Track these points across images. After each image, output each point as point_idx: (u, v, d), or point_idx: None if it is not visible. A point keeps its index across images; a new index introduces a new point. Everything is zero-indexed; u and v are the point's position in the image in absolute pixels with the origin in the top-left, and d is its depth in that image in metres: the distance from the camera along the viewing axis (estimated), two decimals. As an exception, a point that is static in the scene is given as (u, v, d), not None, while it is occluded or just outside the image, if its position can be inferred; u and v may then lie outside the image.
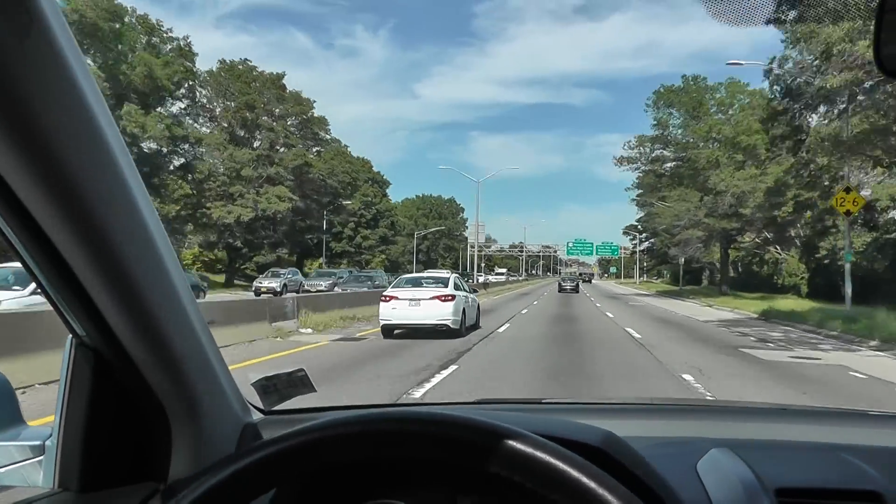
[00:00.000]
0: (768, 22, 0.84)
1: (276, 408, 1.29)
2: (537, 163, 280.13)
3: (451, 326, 15.39)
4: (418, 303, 15.39)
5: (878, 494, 1.02)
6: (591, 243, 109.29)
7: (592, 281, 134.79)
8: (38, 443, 1.07)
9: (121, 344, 0.94)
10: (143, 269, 0.88)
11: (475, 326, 17.70)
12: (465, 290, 17.13)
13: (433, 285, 16.22)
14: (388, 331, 15.65)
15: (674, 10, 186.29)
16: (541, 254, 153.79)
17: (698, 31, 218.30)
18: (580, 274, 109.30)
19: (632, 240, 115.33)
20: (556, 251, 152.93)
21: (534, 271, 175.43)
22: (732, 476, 1.06)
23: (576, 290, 59.54)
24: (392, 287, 16.82)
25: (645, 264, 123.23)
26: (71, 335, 0.99)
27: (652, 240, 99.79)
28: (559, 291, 57.92)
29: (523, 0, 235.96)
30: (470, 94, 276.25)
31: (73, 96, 0.71)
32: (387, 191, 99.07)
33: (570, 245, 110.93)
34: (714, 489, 1.04)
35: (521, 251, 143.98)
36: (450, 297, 15.53)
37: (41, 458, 1.06)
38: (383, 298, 15.89)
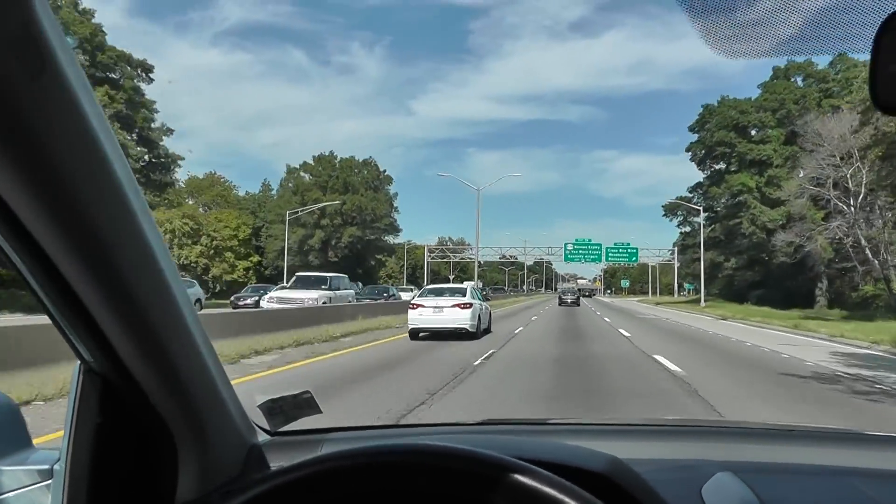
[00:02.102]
0: (764, 55, 0.74)
1: (282, 429, 1.19)
2: (533, 179, 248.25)
3: (470, 330, 15.87)
4: (441, 310, 16.00)
5: None
6: (599, 245, 68.98)
7: (594, 296, 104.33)
8: (46, 467, 0.97)
9: (127, 369, 0.85)
10: (148, 294, 0.79)
11: (488, 330, 18.07)
12: (479, 300, 17.68)
13: (453, 295, 16.75)
14: (415, 333, 16.19)
15: (668, 27, 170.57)
16: (524, 260, 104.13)
17: (692, 48, 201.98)
18: (579, 289, 77.06)
19: (679, 223, 64.83)
20: (549, 260, 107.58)
21: (524, 287, 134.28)
22: (737, 502, 0.95)
23: (577, 303, 49.80)
24: (418, 297, 17.36)
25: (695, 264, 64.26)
26: (79, 361, 0.91)
27: (734, 219, 50.72)
28: (559, 305, 48.58)
29: (519, 17, 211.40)
30: (466, 111, 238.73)
31: (84, 134, 0.65)
32: (154, 111, 42.79)
33: (570, 249, 68.50)
34: None
35: (508, 260, 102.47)
36: (468, 305, 16.12)
37: (49, 481, 0.97)
38: (412, 306, 16.53)
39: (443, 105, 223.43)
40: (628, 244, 71.11)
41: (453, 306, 16.01)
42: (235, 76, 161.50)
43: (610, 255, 70.59)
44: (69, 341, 0.86)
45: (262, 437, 1.14)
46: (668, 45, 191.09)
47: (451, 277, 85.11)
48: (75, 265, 0.72)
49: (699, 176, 60.25)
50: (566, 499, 0.65)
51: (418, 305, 16.35)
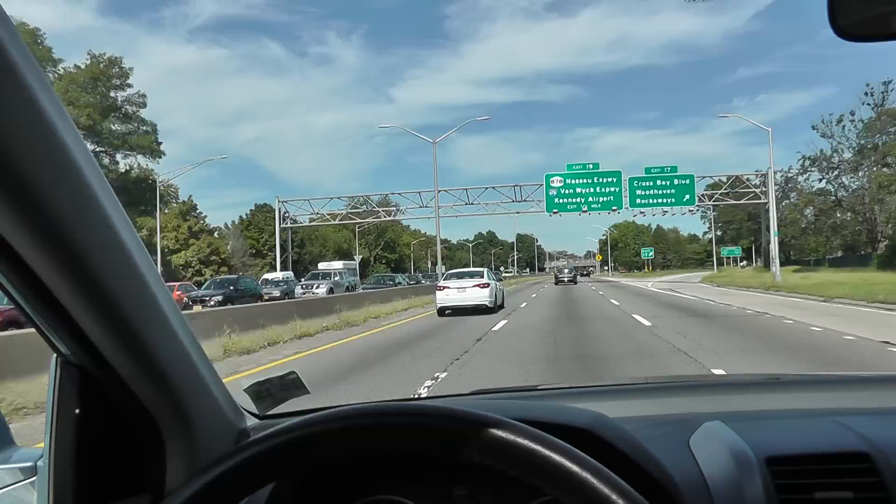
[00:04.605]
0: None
1: (271, 412, 1.07)
2: (518, 161, 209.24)
3: (489, 305, 16.67)
4: (464, 290, 17.03)
5: (867, 455, 0.81)
6: (617, 174, 32.00)
7: (592, 274, 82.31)
8: (29, 464, 0.85)
9: (105, 359, 0.73)
10: (119, 281, 0.67)
11: (501, 306, 18.92)
12: (494, 280, 18.68)
13: (473, 277, 17.87)
14: (442, 311, 17.05)
15: (644, 2, 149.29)
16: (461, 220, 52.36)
17: (669, 22, 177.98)
18: (575, 266, 61.11)
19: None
20: (521, 212, 41.62)
21: (505, 269, 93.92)
22: (724, 449, 0.85)
23: (574, 280, 44.32)
24: (444, 280, 18.39)
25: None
26: (55, 354, 0.79)
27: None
28: (556, 284, 42.66)
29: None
30: (446, 96, 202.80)
31: (31, 106, 0.56)
32: None
33: (558, 186, 31.81)
34: (706, 463, 0.85)
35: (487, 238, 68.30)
36: (486, 285, 17.19)
37: (34, 479, 0.85)
38: (439, 288, 17.64)
39: (422, 91, 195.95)
40: (675, 167, 32.63)
41: (474, 286, 16.73)
42: (213, 72, 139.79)
43: (638, 191, 32.13)
44: (43, 334, 0.75)
45: (251, 422, 1.02)
46: (645, 19, 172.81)
47: (360, 257, 50.29)
48: (40, 253, 0.62)
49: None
50: (541, 449, 0.57)
51: (445, 287, 17.05)
